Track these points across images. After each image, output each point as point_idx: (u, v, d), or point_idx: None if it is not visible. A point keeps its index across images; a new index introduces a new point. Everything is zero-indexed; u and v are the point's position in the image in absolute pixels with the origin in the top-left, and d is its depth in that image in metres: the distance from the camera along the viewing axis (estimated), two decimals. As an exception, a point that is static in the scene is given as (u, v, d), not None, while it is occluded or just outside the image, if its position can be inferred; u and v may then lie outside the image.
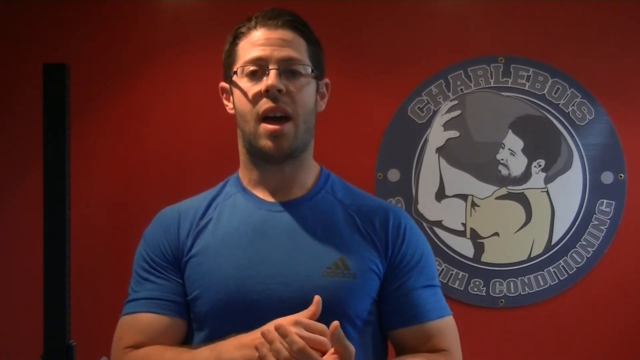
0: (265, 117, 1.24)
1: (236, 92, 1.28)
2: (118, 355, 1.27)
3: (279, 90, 1.22)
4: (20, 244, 2.79)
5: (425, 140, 2.80)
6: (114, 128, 2.83)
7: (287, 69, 1.24)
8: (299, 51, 1.26)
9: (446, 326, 1.29)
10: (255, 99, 1.24)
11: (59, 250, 1.86)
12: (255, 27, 1.26)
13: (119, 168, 2.82)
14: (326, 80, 1.34)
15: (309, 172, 1.33)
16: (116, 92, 2.84)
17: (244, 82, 1.26)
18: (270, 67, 1.23)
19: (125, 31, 2.84)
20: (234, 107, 1.30)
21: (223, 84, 1.33)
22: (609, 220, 2.78)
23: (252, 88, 1.25)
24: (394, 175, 2.81)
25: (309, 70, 1.27)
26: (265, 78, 1.23)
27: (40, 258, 1.90)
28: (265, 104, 1.23)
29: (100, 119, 2.83)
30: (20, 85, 2.80)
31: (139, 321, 1.26)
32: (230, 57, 1.29)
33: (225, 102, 1.34)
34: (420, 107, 2.81)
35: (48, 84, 1.84)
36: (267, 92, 1.22)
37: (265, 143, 1.24)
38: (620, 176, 2.78)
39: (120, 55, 2.83)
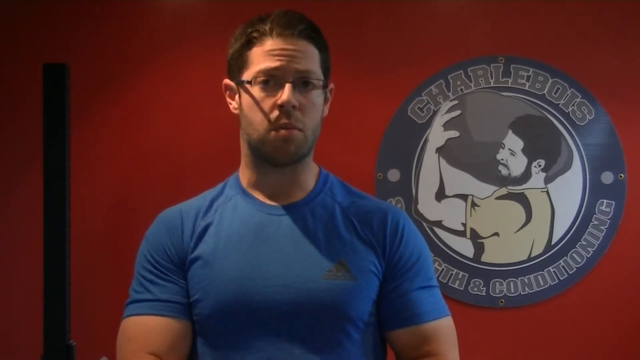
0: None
1: (246, 97, 1.26)
2: (131, 356, 1.25)
3: (293, 106, 1.22)
4: (20, 244, 2.79)
5: (425, 140, 2.80)
6: (114, 128, 2.83)
7: (301, 80, 1.24)
8: (313, 63, 1.26)
9: (442, 328, 1.28)
10: (268, 111, 1.24)
11: (59, 250, 1.86)
12: (270, 35, 1.25)
13: (119, 168, 2.82)
14: (331, 85, 1.34)
15: (309, 174, 1.33)
16: (116, 92, 2.84)
17: (256, 91, 1.25)
18: (286, 80, 1.23)
19: (125, 31, 2.84)
20: (240, 110, 1.29)
21: (228, 82, 1.32)
22: (609, 220, 2.78)
23: (265, 99, 1.24)
24: (394, 175, 2.81)
25: (321, 83, 1.27)
26: (280, 92, 1.22)
27: (40, 258, 1.90)
28: (278, 119, 1.23)
29: (100, 119, 2.83)
30: (20, 85, 2.80)
31: (153, 324, 1.25)
32: (241, 59, 1.28)
33: (228, 99, 1.33)
34: (420, 107, 2.81)
35: (48, 84, 1.84)
36: (282, 107, 1.22)
37: (274, 150, 1.24)
38: (620, 176, 2.78)
39: (120, 56, 2.83)
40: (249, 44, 1.27)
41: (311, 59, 1.26)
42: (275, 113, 1.23)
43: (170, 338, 1.25)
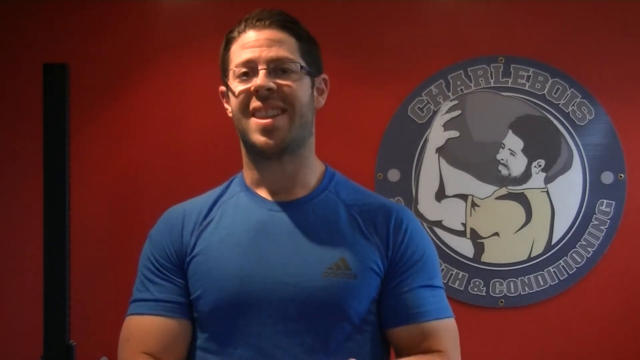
0: (256, 113, 1.25)
1: (230, 94, 1.29)
2: (129, 356, 1.26)
3: (269, 89, 1.23)
4: (20, 244, 2.79)
5: (425, 140, 2.80)
6: (114, 128, 2.83)
7: (278, 68, 1.25)
8: (288, 49, 1.26)
9: (443, 328, 1.27)
10: (245, 99, 1.25)
11: (59, 250, 1.86)
12: (244, 30, 1.27)
13: (119, 168, 2.82)
14: (324, 75, 1.34)
15: (312, 171, 1.33)
16: (116, 92, 2.84)
17: (235, 85, 1.27)
18: (260, 67, 1.23)
19: (125, 31, 2.84)
20: (232, 110, 1.30)
21: (222, 88, 1.34)
22: (609, 220, 2.78)
23: (245, 91, 1.26)
24: (394, 175, 2.81)
25: (299, 67, 1.27)
26: (255, 79, 1.24)
27: (40, 258, 1.90)
28: (254, 102, 1.24)
29: (101, 119, 2.83)
30: (20, 85, 2.80)
31: (150, 324, 1.26)
32: (224, 61, 1.30)
33: (225, 105, 1.34)
34: (420, 107, 2.81)
35: (48, 84, 1.84)
36: (257, 92, 1.23)
37: (258, 138, 1.24)
38: (620, 176, 2.78)
39: (120, 55, 2.83)
40: (228, 44, 1.29)
41: (286, 46, 1.26)
42: (253, 100, 1.24)
43: (166, 338, 1.25)
